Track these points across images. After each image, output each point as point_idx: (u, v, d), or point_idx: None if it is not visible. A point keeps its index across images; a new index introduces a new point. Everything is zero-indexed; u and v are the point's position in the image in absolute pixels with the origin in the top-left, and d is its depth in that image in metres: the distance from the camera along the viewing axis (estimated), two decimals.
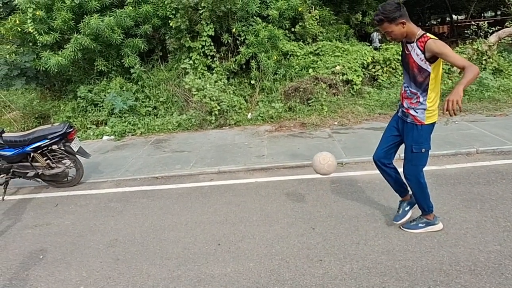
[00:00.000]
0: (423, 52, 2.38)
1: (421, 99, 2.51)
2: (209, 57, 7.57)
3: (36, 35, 6.81)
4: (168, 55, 8.02)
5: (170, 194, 4.15)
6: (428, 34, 2.39)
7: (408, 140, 2.64)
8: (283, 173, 4.41)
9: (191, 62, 7.49)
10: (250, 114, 7.02)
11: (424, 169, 2.70)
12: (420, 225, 2.86)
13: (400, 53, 2.85)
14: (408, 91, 2.59)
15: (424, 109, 2.51)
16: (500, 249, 2.57)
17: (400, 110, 2.71)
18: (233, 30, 7.38)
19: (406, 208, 2.94)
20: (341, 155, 4.71)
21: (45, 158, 4.44)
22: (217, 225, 3.31)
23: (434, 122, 2.58)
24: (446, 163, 4.25)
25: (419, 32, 2.41)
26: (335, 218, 3.22)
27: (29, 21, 6.72)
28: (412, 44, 2.45)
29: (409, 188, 2.89)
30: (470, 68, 2.19)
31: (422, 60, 2.41)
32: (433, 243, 2.70)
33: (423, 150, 2.60)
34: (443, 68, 7.71)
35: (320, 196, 3.70)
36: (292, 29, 8.04)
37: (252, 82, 7.63)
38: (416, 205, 2.87)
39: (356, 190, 3.74)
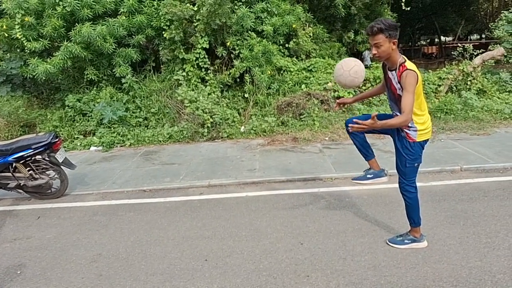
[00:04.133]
0: (399, 82, 2.43)
1: (409, 123, 2.54)
2: (203, 70, 7.60)
3: (24, 42, 6.72)
4: (161, 66, 8.02)
5: (158, 207, 4.08)
6: (406, 63, 2.40)
7: (402, 155, 2.67)
8: (274, 187, 4.41)
9: (184, 73, 7.49)
10: (243, 127, 7.03)
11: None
12: (406, 241, 2.90)
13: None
14: (395, 114, 2.64)
15: (416, 130, 2.56)
16: (481, 264, 2.62)
17: None
18: (228, 43, 7.46)
19: (369, 175, 2.96)
20: (331, 170, 4.74)
21: (28, 168, 4.31)
22: (205, 240, 3.26)
23: (427, 139, 2.64)
24: (431, 179, 4.33)
25: (400, 60, 2.43)
26: (323, 233, 3.22)
27: (17, 26, 6.65)
28: (392, 72, 2.48)
29: (374, 153, 2.99)
30: (402, 116, 2.34)
31: (399, 89, 2.46)
32: (418, 259, 2.73)
33: (416, 164, 2.68)
34: (430, 88, 7.95)
35: (310, 210, 3.70)
36: (286, 45, 8.16)
37: (246, 95, 7.68)
38: (379, 178, 2.94)
39: (344, 205, 3.75)
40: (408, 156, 2.63)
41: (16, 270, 2.98)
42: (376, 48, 2.39)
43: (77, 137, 7.18)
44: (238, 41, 7.56)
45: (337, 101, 3.08)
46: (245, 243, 3.14)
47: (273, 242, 3.12)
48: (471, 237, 2.99)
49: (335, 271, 2.65)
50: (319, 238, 3.14)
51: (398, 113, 2.60)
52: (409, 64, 2.41)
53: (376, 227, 3.24)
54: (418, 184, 4.07)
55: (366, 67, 8.84)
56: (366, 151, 2.94)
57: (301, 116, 6.96)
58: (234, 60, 7.61)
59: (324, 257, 2.84)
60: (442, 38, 26.47)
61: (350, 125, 2.40)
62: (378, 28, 2.33)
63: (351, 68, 2.52)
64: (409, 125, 2.56)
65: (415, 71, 2.38)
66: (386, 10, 10.32)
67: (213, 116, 6.74)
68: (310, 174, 4.64)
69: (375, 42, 2.38)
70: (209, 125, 6.69)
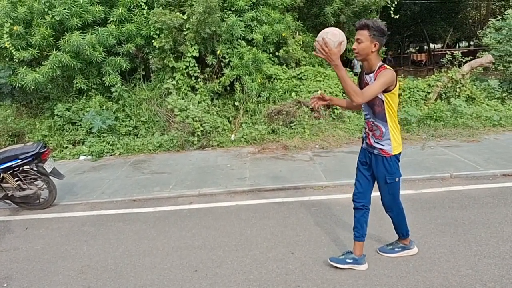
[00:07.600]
0: (375, 79, 2.40)
1: (383, 130, 2.53)
2: (193, 78, 7.59)
3: (12, 51, 6.66)
4: (151, 75, 7.98)
5: (147, 217, 4.03)
6: (386, 66, 2.41)
7: (380, 172, 2.62)
8: (265, 196, 4.39)
9: (174, 82, 7.47)
10: (233, 135, 7.03)
11: (400, 193, 2.74)
12: (396, 249, 2.90)
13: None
14: (371, 123, 2.59)
15: (389, 139, 2.53)
16: (471, 273, 2.63)
17: (364, 142, 2.71)
18: (218, 52, 7.48)
19: (348, 260, 2.77)
20: (321, 178, 4.74)
21: (15, 179, 4.25)
22: (194, 250, 3.22)
23: (400, 152, 2.61)
24: (422, 187, 4.35)
25: (380, 63, 2.43)
26: (314, 242, 3.21)
27: (5, 36, 6.59)
28: (370, 75, 2.46)
29: (364, 238, 2.79)
30: (359, 93, 2.28)
31: None
32: (409, 268, 2.73)
33: (397, 179, 2.63)
34: (419, 95, 8.04)
35: (300, 219, 3.68)
36: (276, 53, 8.21)
37: (236, 103, 7.69)
38: (358, 265, 2.76)
39: (335, 214, 3.75)
40: (387, 171, 2.58)
41: (2, 283, 2.91)
42: (357, 44, 2.40)
43: (66, 147, 7.08)
44: (228, 50, 7.59)
45: (314, 95, 2.90)
46: (235, 253, 3.11)
47: (263, 252, 3.10)
48: (462, 245, 3.00)
49: (326, 281, 2.64)
50: (309, 247, 3.13)
51: (370, 116, 2.56)
52: (389, 67, 2.42)
53: (367, 236, 3.22)
54: (409, 191, 4.12)
55: (356, 74, 8.95)
56: (362, 231, 2.78)
57: (291, 124, 6.99)
58: (224, 69, 7.63)
59: (314, 267, 2.82)
60: (431, 45, 26.93)
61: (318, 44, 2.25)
62: (365, 23, 2.36)
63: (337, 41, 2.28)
64: (383, 131, 2.52)
65: (394, 73, 2.39)
66: (375, 18, 10.47)
67: (203, 125, 6.72)
68: (301, 182, 4.64)
69: (358, 37, 2.39)
70: (199, 133, 6.67)
